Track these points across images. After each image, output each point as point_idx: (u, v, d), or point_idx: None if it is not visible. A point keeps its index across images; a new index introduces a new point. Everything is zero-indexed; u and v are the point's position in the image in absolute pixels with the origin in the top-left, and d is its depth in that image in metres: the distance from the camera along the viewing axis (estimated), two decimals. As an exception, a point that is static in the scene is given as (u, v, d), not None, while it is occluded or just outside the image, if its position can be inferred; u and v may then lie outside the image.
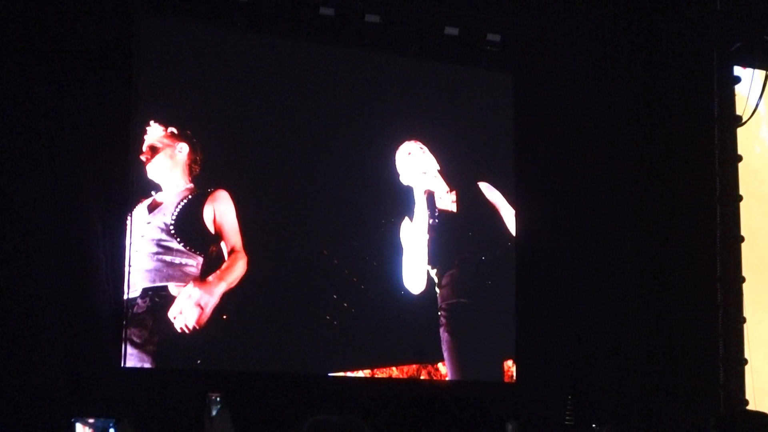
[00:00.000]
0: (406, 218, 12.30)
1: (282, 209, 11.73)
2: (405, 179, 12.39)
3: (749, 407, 12.15)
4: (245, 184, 11.59)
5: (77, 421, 9.47)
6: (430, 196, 12.44)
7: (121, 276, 10.76)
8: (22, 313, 10.13)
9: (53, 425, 9.81)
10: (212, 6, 11.52)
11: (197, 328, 10.97)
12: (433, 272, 12.29)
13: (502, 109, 12.98)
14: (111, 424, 9.71)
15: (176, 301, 10.94)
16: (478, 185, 12.77)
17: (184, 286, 10.99)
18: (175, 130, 11.27)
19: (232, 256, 11.28)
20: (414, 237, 12.26)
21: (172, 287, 10.97)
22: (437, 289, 12.26)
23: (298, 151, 11.90)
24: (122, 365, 10.71)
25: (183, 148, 11.30)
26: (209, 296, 11.09)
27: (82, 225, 10.60)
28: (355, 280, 11.86)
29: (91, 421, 9.55)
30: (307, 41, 12.07)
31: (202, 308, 11.02)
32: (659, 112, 13.05)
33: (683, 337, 12.68)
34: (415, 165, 12.48)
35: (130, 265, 10.80)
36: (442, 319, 12.21)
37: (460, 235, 12.57)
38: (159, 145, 11.23)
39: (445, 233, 12.48)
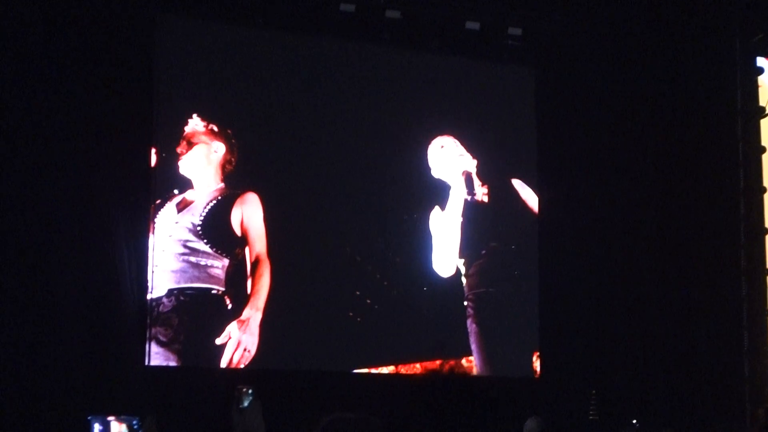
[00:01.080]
0: (437, 207, 12.31)
1: (305, 207, 11.76)
2: (437, 172, 12.42)
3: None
4: (272, 184, 11.65)
5: (95, 421, 9.51)
6: (468, 178, 12.47)
7: (145, 275, 10.83)
8: (46, 312, 10.22)
9: (77, 423, 9.86)
10: (234, 5, 11.55)
11: (245, 366, 11.10)
12: (461, 261, 12.30)
13: (524, 103, 12.95)
14: (135, 422, 9.75)
15: (225, 351, 11.03)
16: (510, 181, 12.79)
17: (220, 294, 11.09)
18: (215, 128, 11.34)
19: (258, 269, 11.33)
20: (444, 224, 12.28)
21: (198, 289, 11.06)
22: (464, 279, 12.28)
23: (322, 149, 11.91)
24: (147, 363, 10.78)
25: (219, 148, 11.37)
26: (252, 338, 11.19)
27: (105, 224, 10.66)
28: (378, 276, 11.88)
29: (109, 418, 9.60)
30: (328, 38, 12.08)
31: (249, 352, 11.11)
32: (682, 104, 13.00)
33: (707, 331, 12.64)
34: (449, 158, 12.50)
35: (155, 265, 10.87)
36: (469, 309, 12.22)
37: (489, 226, 12.57)
38: (196, 140, 11.30)
39: (475, 223, 12.50)
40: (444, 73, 12.64)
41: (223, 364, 11.02)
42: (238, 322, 11.16)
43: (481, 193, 12.59)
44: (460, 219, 12.42)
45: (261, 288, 11.35)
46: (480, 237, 12.52)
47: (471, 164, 12.60)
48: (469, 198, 12.48)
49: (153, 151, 11.10)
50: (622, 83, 12.94)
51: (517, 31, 12.64)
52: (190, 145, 11.27)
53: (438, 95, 12.53)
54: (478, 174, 12.62)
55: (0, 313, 10.02)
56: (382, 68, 12.37)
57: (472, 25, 12.40)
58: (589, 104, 12.85)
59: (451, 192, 12.43)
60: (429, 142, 12.39)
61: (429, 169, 12.36)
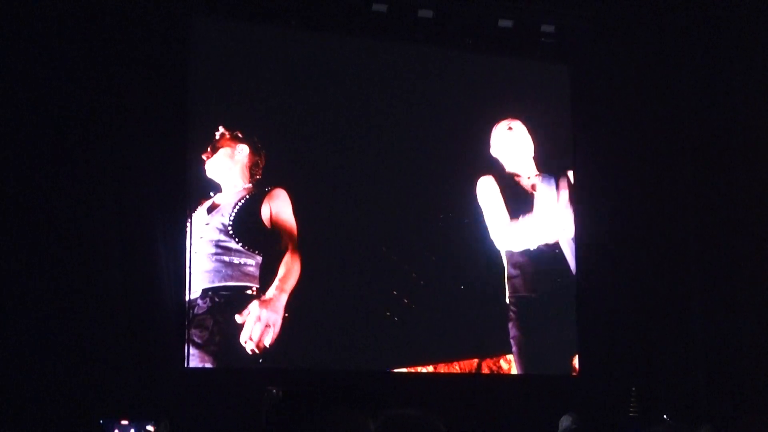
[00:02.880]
0: (482, 177, 12.35)
1: (339, 205, 11.79)
2: (495, 150, 12.46)
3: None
4: (303, 182, 11.66)
5: (108, 424, 9.56)
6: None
7: (182, 277, 10.88)
8: (86, 315, 10.30)
9: (115, 426, 9.91)
10: (266, 6, 11.59)
11: (268, 347, 11.06)
12: (503, 251, 12.32)
13: (559, 100, 12.90)
14: (149, 424, 9.78)
15: (245, 326, 11.02)
16: (559, 176, 12.80)
17: (255, 294, 11.11)
18: (239, 134, 11.38)
19: (288, 259, 11.33)
20: (494, 193, 12.37)
21: (232, 288, 11.09)
22: (506, 275, 12.27)
23: (354, 147, 11.94)
24: (186, 365, 10.82)
25: (243, 150, 11.40)
26: (275, 314, 11.18)
27: (144, 227, 10.74)
28: (414, 275, 11.87)
29: (124, 423, 9.64)
30: (360, 38, 12.10)
31: (271, 328, 11.11)
32: (720, 100, 12.91)
33: (749, 328, 12.54)
34: (512, 141, 12.55)
35: (191, 267, 10.91)
36: (510, 313, 12.19)
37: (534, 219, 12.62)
38: (219, 144, 11.34)
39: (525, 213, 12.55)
40: (477, 71, 12.62)
41: (243, 340, 10.98)
42: (260, 301, 11.14)
43: (531, 184, 12.59)
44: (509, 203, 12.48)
45: (291, 276, 11.33)
46: (528, 230, 12.53)
47: (527, 154, 12.64)
48: (522, 182, 12.51)
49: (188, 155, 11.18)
50: (657, 78, 12.87)
51: (551, 29, 12.61)
52: (215, 149, 11.31)
53: (470, 94, 12.51)
54: (535, 160, 12.65)
55: (41, 315, 10.10)
56: (414, 68, 12.36)
57: (505, 23, 12.36)
58: (624, 101, 12.79)
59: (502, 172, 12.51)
60: (461, 140, 12.36)
61: (463, 165, 12.35)
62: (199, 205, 11.10)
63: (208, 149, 11.24)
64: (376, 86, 12.11)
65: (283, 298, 11.25)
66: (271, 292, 11.20)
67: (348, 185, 11.85)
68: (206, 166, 11.21)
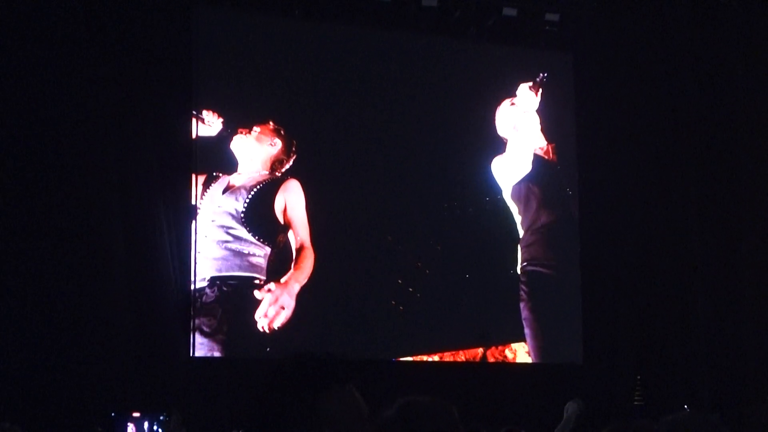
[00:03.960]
0: (497, 157, 12.40)
1: (347, 195, 11.81)
2: (502, 130, 12.50)
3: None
4: (315, 173, 11.69)
5: (120, 417, 9.56)
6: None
7: (188, 264, 10.89)
8: (87, 305, 10.29)
9: (121, 415, 9.92)
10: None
11: (276, 329, 11.09)
12: (519, 221, 12.36)
13: (563, 88, 12.90)
14: (162, 417, 9.80)
15: (262, 303, 11.07)
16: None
17: (262, 284, 11.14)
18: (282, 130, 11.47)
19: (302, 253, 11.36)
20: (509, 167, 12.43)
21: (239, 278, 11.12)
22: (519, 248, 12.31)
23: (359, 137, 11.97)
24: (191, 355, 10.84)
25: (277, 143, 11.44)
26: (290, 299, 11.21)
27: (147, 213, 10.72)
28: (419, 265, 11.89)
29: (136, 415, 9.64)
30: (365, 28, 12.10)
31: (284, 309, 11.14)
32: (722, 90, 12.90)
33: (752, 319, 12.55)
34: (517, 114, 12.59)
35: (197, 252, 10.94)
36: (522, 293, 12.22)
37: (557, 188, 12.68)
38: (260, 128, 11.39)
39: (541, 183, 12.61)
40: (481, 60, 12.62)
41: (258, 315, 11.03)
42: (277, 283, 11.18)
43: (546, 149, 12.63)
44: (526, 167, 12.52)
45: (304, 269, 11.38)
46: (545, 198, 12.61)
47: (535, 127, 12.68)
48: (535, 150, 12.55)
49: (194, 122, 11.18)
50: (660, 66, 12.87)
51: (555, 17, 12.59)
52: (250, 129, 11.35)
53: (475, 83, 12.50)
54: (543, 131, 12.68)
55: (41, 307, 10.09)
56: (420, 57, 12.37)
57: (510, 11, 12.35)
58: (627, 88, 12.79)
59: (513, 141, 12.54)
60: (466, 129, 12.37)
61: (469, 156, 12.36)
62: (212, 182, 11.12)
63: (247, 128, 11.32)
64: (380, 76, 12.11)
65: (296, 287, 11.30)
66: (285, 278, 11.25)
67: (354, 175, 11.87)
68: (235, 139, 11.28)
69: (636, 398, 11.70)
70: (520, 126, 12.52)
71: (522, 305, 12.22)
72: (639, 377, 11.79)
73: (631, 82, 12.80)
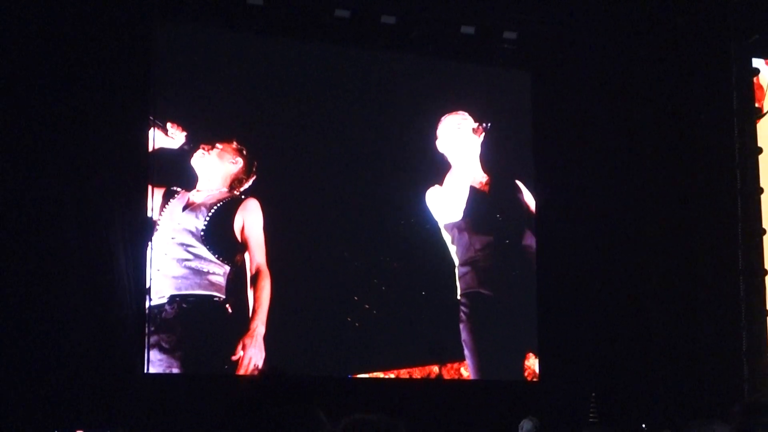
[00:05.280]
0: (436, 186, 12.39)
1: (304, 213, 11.80)
2: (442, 146, 12.50)
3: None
4: (274, 191, 11.68)
5: None
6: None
7: (143, 279, 10.85)
8: (39, 319, 10.19)
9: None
10: (229, 12, 11.59)
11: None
12: (454, 250, 12.34)
13: (520, 105, 12.97)
14: None
15: (241, 364, 11.11)
16: (513, 180, 12.84)
17: (221, 302, 11.15)
18: (245, 150, 11.46)
19: (258, 279, 11.39)
20: (444, 200, 12.40)
21: (200, 296, 11.10)
22: (457, 273, 12.31)
23: (316, 154, 11.97)
24: (146, 371, 10.79)
25: (238, 162, 11.44)
26: (260, 353, 11.25)
27: (103, 224, 10.64)
28: (375, 281, 11.90)
29: None
30: (324, 44, 12.11)
31: (257, 366, 11.18)
32: (678, 106, 13.01)
33: (707, 331, 12.63)
34: (460, 138, 12.57)
35: (157, 269, 10.94)
36: (462, 314, 12.23)
37: (487, 218, 12.64)
38: (221, 146, 11.39)
39: (474, 211, 12.57)
40: (440, 77, 12.66)
41: (241, 372, 11.10)
42: (247, 337, 11.22)
43: (483, 181, 12.63)
44: (461, 202, 12.48)
45: (263, 298, 11.40)
46: (477, 227, 12.55)
47: (474, 156, 12.67)
48: (471, 183, 12.53)
49: (151, 135, 11.14)
50: (618, 85, 12.97)
51: (513, 35, 12.67)
52: (213, 145, 11.35)
53: (434, 99, 12.55)
54: (481, 160, 12.67)
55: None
56: (378, 73, 12.39)
57: (468, 29, 12.42)
58: (585, 106, 12.87)
59: (452, 171, 12.51)
60: (424, 147, 12.40)
61: (426, 171, 12.39)
62: (171, 198, 11.09)
63: (209, 144, 11.32)
64: (338, 93, 12.12)
65: (262, 330, 11.35)
66: (253, 325, 11.32)
67: (312, 193, 11.88)
68: (196, 155, 11.28)
69: (591, 415, 11.75)
70: (462, 157, 12.56)
71: (462, 326, 12.22)
72: (594, 394, 11.84)
73: (588, 99, 12.88)
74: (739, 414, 4.49)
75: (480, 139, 12.68)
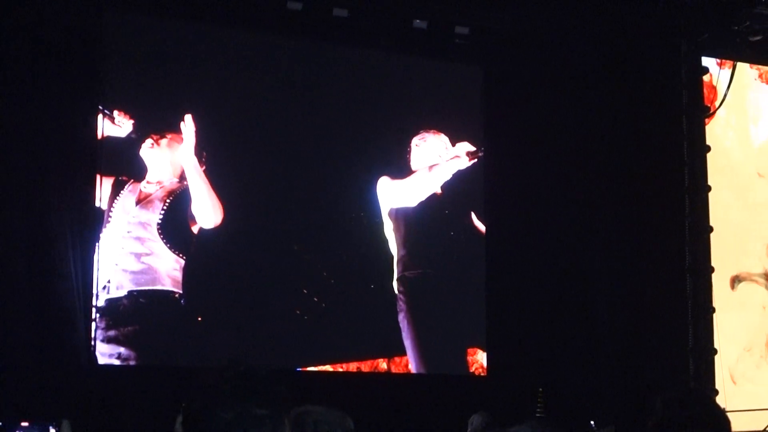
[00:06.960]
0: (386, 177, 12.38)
1: (254, 204, 11.76)
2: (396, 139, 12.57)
3: (719, 397, 12.19)
4: (221, 182, 11.59)
5: (9, 427, 9.39)
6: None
7: (91, 270, 10.76)
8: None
9: (7, 423, 9.71)
10: (179, 2, 11.52)
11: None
12: (392, 239, 12.35)
13: (471, 101, 12.99)
14: (51, 426, 9.61)
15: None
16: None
17: (179, 297, 11.15)
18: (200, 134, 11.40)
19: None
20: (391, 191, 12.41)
21: (157, 291, 11.07)
22: (395, 257, 12.32)
23: (266, 146, 11.94)
24: (95, 363, 10.72)
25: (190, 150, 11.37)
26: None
27: (49, 211, 10.51)
28: (325, 274, 11.89)
29: (24, 424, 9.46)
30: (275, 36, 12.08)
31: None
32: (627, 104, 13.07)
33: (653, 328, 12.71)
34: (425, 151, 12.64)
35: (115, 264, 10.93)
36: (400, 303, 12.22)
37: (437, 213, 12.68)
38: (170, 136, 11.30)
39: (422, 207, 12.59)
40: (392, 71, 12.67)
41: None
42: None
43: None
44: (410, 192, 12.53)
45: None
46: (423, 220, 12.58)
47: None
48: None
49: (99, 121, 11.04)
50: (568, 82, 13.01)
51: (465, 30, 12.68)
52: (162, 135, 11.29)
53: (386, 94, 12.56)
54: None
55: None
56: (330, 66, 12.36)
57: (420, 23, 12.41)
58: (535, 103, 12.91)
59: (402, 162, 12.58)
60: (376, 140, 12.40)
61: (375, 164, 12.38)
62: (122, 188, 11.00)
63: (158, 134, 11.25)
64: (289, 85, 12.08)
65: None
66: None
67: (262, 184, 11.84)
68: (145, 145, 11.20)
69: (538, 409, 11.80)
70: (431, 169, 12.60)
71: (401, 316, 12.22)
72: (540, 389, 11.88)
73: (540, 96, 12.92)
74: (659, 408, 4.53)
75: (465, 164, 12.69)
